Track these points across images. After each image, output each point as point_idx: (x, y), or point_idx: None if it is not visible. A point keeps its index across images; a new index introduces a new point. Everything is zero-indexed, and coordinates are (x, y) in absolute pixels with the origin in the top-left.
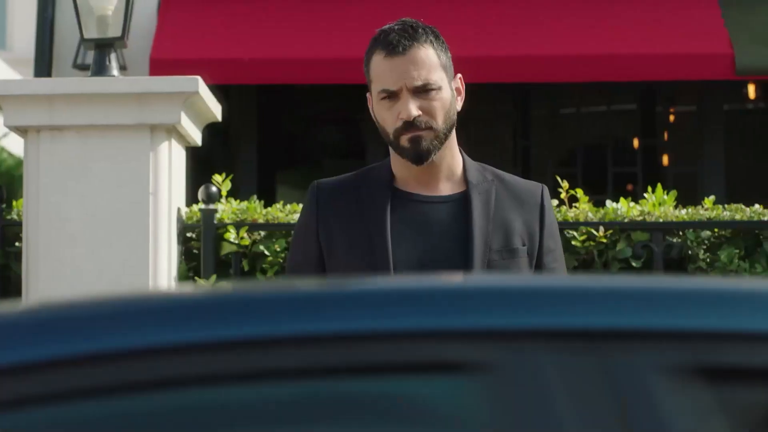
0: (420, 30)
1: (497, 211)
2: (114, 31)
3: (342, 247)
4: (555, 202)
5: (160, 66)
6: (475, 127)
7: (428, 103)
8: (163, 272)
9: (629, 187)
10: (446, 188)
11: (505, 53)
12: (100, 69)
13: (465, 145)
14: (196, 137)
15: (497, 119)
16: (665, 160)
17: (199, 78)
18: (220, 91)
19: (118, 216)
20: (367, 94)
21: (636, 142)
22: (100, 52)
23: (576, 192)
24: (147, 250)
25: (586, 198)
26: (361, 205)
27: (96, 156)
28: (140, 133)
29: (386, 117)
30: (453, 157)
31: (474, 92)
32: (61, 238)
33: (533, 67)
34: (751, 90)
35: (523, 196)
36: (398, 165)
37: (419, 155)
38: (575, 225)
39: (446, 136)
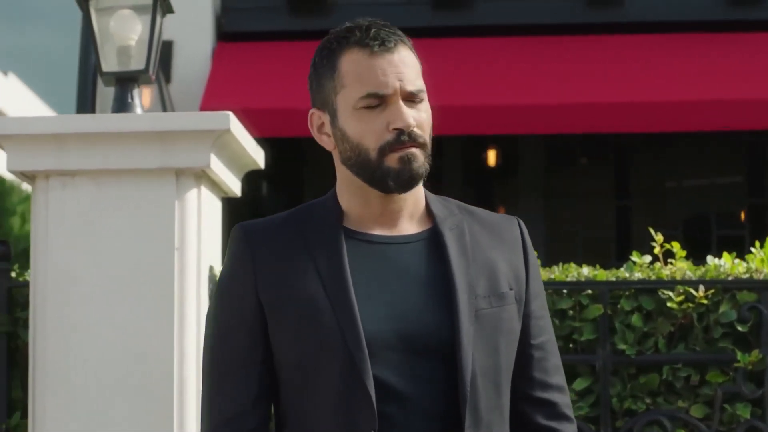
0: (397, 29)
1: (476, 250)
2: (137, 63)
3: (291, 310)
4: (647, 258)
5: None
6: (572, 179)
7: (419, 115)
8: (190, 340)
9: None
10: (409, 227)
11: (610, 100)
12: (121, 106)
13: (557, 196)
14: (233, 186)
15: (594, 172)
16: None
17: (230, 114)
18: (286, 142)
19: (138, 275)
20: (312, 112)
21: (743, 214)
22: (121, 87)
23: (672, 246)
24: (172, 315)
25: (684, 253)
26: (311, 251)
27: (112, 205)
28: (164, 178)
29: (367, 130)
30: (419, 189)
31: (572, 142)
32: (72, 301)
33: (637, 116)
34: None
35: (501, 232)
36: (352, 199)
37: (410, 178)
38: (671, 284)
39: (430, 163)
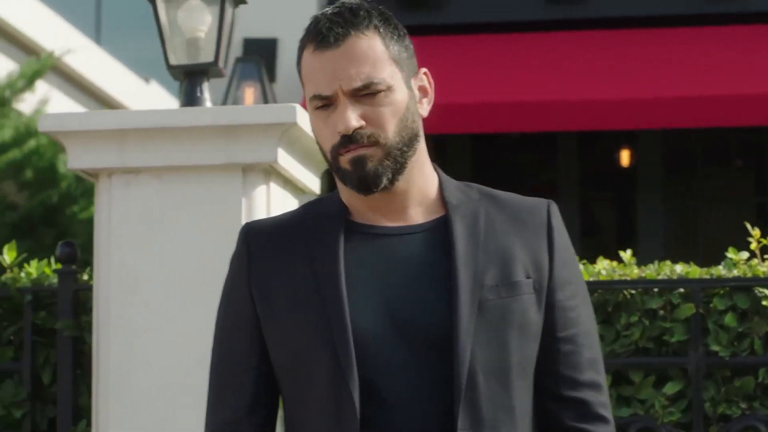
0: (361, 13)
1: (489, 237)
2: (206, 56)
3: (282, 306)
4: (744, 254)
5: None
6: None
7: (373, 110)
8: None
9: None
10: (418, 215)
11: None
12: (189, 101)
13: (696, 198)
14: (310, 182)
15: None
16: None
17: (297, 106)
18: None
19: (203, 276)
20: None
21: None
22: (190, 82)
23: None
24: None
25: None
26: (307, 247)
27: (177, 203)
28: (230, 174)
29: (322, 132)
30: (424, 177)
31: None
32: (135, 304)
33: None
34: None
35: (523, 215)
36: (351, 195)
37: (364, 181)
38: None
39: (402, 151)
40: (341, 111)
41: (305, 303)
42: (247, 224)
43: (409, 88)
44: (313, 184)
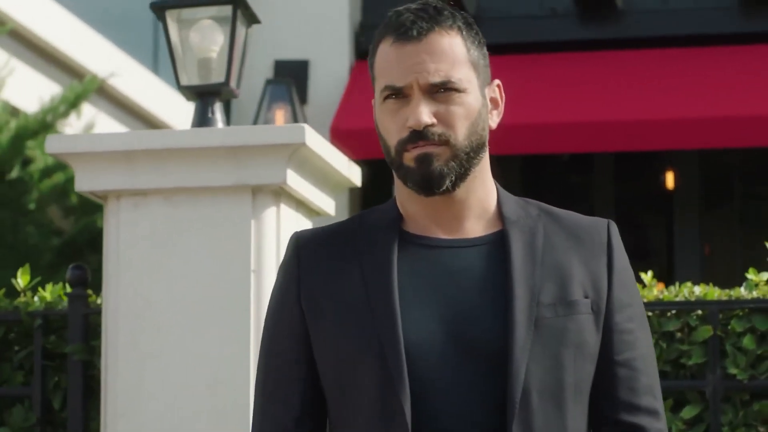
0: (446, 12)
1: (547, 253)
2: (218, 76)
3: (331, 316)
4: (765, 275)
5: (339, 136)
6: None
7: (446, 109)
8: None
9: None
10: (475, 229)
11: None
12: (201, 122)
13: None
14: (325, 204)
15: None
16: None
17: (305, 126)
18: None
19: (213, 299)
20: (372, 102)
21: None
22: (202, 102)
23: None
24: (248, 342)
25: None
26: (359, 257)
27: (186, 225)
28: (239, 196)
29: (389, 125)
30: (485, 189)
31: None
32: (145, 327)
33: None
34: None
35: (582, 234)
36: (408, 200)
37: (428, 180)
38: None
39: (469, 157)
40: (414, 105)
41: (355, 314)
42: (296, 233)
43: (483, 95)
44: (328, 206)
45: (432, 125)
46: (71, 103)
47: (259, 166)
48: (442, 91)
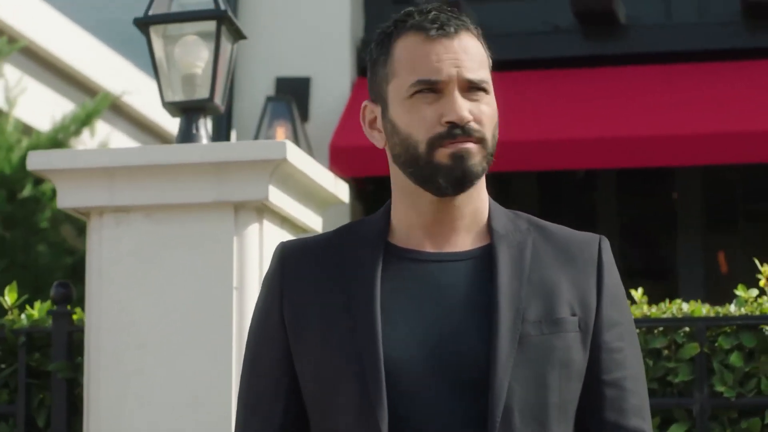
0: (463, 16)
1: (534, 270)
2: (202, 92)
3: (312, 332)
4: (754, 291)
5: (339, 154)
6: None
7: (478, 108)
8: None
9: None
10: (464, 242)
11: None
12: (185, 138)
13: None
14: (311, 221)
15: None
16: None
17: (287, 142)
18: None
19: (195, 316)
20: (365, 104)
21: None
22: (186, 118)
23: None
24: (230, 359)
25: None
26: (343, 272)
27: (168, 242)
28: (221, 212)
29: (417, 120)
30: (481, 200)
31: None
32: (128, 344)
33: None
34: None
35: (572, 250)
36: (402, 206)
37: (462, 176)
38: None
39: (489, 160)
40: (453, 99)
41: (337, 330)
42: (282, 243)
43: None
44: (315, 222)
45: (470, 122)
46: (82, 122)
47: (240, 182)
48: (476, 88)
